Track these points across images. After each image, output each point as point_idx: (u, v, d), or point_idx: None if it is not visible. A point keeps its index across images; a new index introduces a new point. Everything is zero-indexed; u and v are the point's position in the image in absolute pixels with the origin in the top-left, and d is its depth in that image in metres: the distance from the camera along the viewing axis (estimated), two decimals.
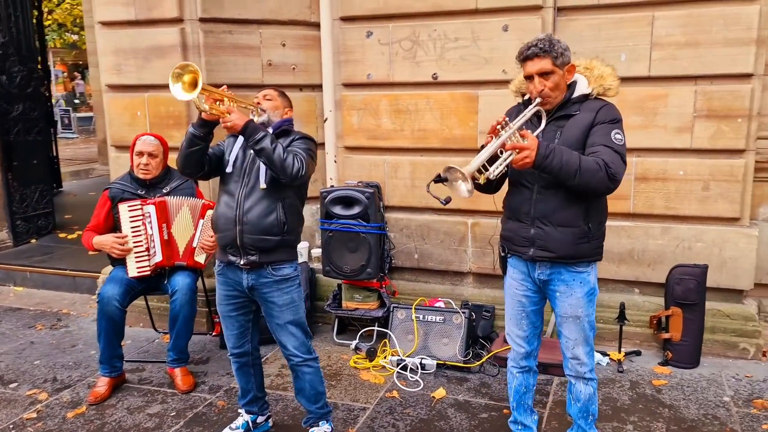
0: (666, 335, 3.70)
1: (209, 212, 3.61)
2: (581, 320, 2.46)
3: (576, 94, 2.40)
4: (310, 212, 4.72)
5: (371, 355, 3.81)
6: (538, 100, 2.36)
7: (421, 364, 3.65)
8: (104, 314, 3.40)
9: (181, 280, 3.52)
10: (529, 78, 2.38)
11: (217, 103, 2.53)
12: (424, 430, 3.04)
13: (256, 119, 2.65)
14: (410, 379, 3.57)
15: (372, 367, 3.72)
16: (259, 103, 2.74)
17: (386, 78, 4.10)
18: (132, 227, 3.52)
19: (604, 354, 3.77)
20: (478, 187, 2.34)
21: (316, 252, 4.60)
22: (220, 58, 4.23)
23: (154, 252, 3.53)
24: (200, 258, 3.62)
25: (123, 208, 3.52)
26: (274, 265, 2.66)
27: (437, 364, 3.67)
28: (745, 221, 3.67)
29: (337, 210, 3.96)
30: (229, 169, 2.67)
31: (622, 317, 3.73)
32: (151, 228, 3.53)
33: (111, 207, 3.61)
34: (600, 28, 3.68)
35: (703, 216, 3.71)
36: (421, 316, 3.83)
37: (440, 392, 3.39)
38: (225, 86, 2.64)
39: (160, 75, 4.17)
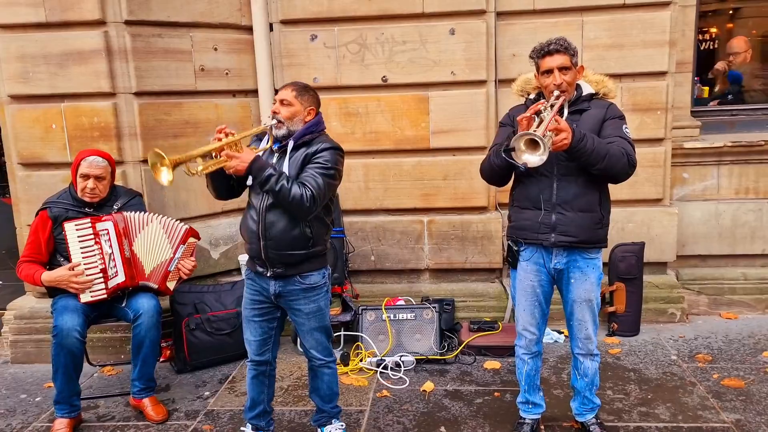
0: (611, 309, 4.08)
1: (191, 239, 3.37)
2: (592, 303, 2.67)
3: (584, 93, 2.60)
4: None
5: (345, 359, 3.76)
6: (557, 93, 2.50)
7: (400, 362, 3.68)
8: (63, 348, 3.02)
9: (146, 302, 3.23)
10: (547, 72, 2.52)
11: (214, 155, 2.42)
12: (429, 422, 3.08)
13: (275, 133, 2.53)
14: (393, 377, 3.58)
15: (350, 371, 3.68)
16: (276, 113, 2.56)
17: (334, 81, 4.08)
18: (82, 248, 3.16)
19: (559, 332, 4.07)
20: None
21: None
22: (151, 63, 3.94)
23: (115, 272, 3.20)
24: (171, 284, 3.35)
25: (70, 228, 3.15)
26: (302, 273, 2.58)
27: (416, 359, 3.72)
28: (666, 201, 4.17)
29: None
30: (249, 182, 2.52)
31: None
32: (110, 246, 3.20)
33: (53, 228, 3.22)
34: (536, 31, 3.98)
35: (633, 199, 4.15)
36: (392, 316, 3.85)
37: (428, 385, 3.44)
38: (224, 127, 2.47)
39: (80, 82, 3.82)
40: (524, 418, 2.89)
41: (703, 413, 3.03)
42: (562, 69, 2.50)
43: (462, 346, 3.80)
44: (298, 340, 3.97)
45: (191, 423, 3.19)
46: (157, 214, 3.36)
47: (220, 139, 2.42)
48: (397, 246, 4.25)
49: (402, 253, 4.26)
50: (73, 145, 3.88)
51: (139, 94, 3.89)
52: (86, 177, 3.19)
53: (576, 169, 2.50)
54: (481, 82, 3.99)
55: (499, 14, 3.98)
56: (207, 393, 3.53)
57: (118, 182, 3.56)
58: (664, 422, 2.96)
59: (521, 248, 2.68)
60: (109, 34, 3.78)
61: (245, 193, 2.72)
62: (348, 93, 4.09)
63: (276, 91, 4.30)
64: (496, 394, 3.34)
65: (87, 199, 3.23)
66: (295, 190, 2.39)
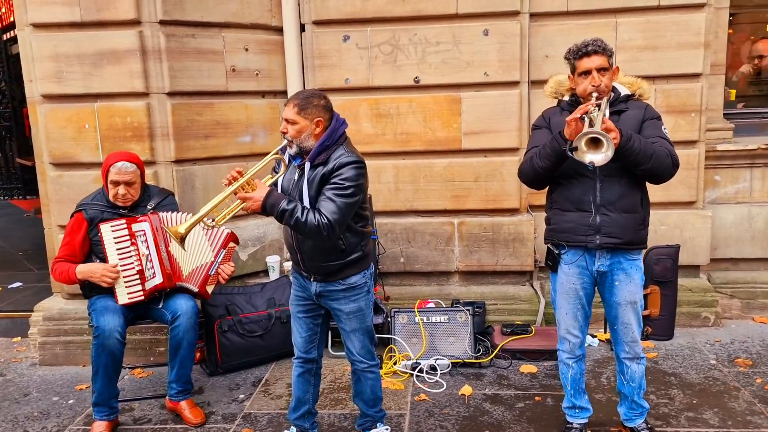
0: (645, 312, 4.02)
1: (231, 244, 3.35)
2: (636, 305, 2.64)
3: (621, 94, 2.58)
4: (277, 224, 4.51)
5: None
6: (596, 94, 2.46)
7: (435, 365, 3.64)
8: (105, 349, 2.99)
9: (183, 303, 3.20)
10: (585, 74, 2.50)
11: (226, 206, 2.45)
12: (472, 426, 3.04)
13: (289, 152, 2.52)
14: (429, 380, 3.54)
15: (384, 374, 3.63)
16: (284, 132, 2.48)
17: (366, 82, 4.06)
18: (119, 249, 3.14)
19: (593, 336, 4.03)
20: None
21: (289, 265, 4.40)
22: (184, 64, 3.92)
23: (153, 273, 3.17)
24: (210, 288, 3.32)
25: (106, 229, 3.13)
26: (342, 278, 2.57)
27: (451, 363, 3.68)
28: (699, 204, 4.14)
29: None
30: None
31: None
32: (147, 247, 3.18)
33: (88, 230, 3.19)
34: (569, 33, 3.96)
35: (666, 201, 4.11)
36: (425, 318, 3.81)
37: (467, 389, 3.40)
38: (235, 173, 2.43)
39: (114, 82, 3.80)
40: (572, 423, 2.85)
41: (753, 418, 2.98)
42: (600, 70, 2.47)
43: (497, 349, 3.75)
44: (330, 342, 3.96)
45: (230, 426, 3.15)
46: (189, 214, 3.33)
47: (230, 183, 2.40)
48: (427, 248, 4.22)
49: (432, 255, 4.22)
50: (106, 145, 3.86)
51: (171, 94, 3.87)
52: (116, 184, 3.16)
53: (619, 170, 2.47)
54: (514, 83, 3.96)
55: (533, 15, 3.96)
56: (242, 396, 3.49)
57: (149, 182, 3.54)
58: (714, 427, 2.92)
59: (562, 251, 2.64)
60: (144, 34, 3.77)
61: None
62: (380, 94, 4.07)
63: None
64: (537, 398, 3.29)
65: (120, 204, 3.22)
66: (311, 220, 2.32)
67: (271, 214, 2.37)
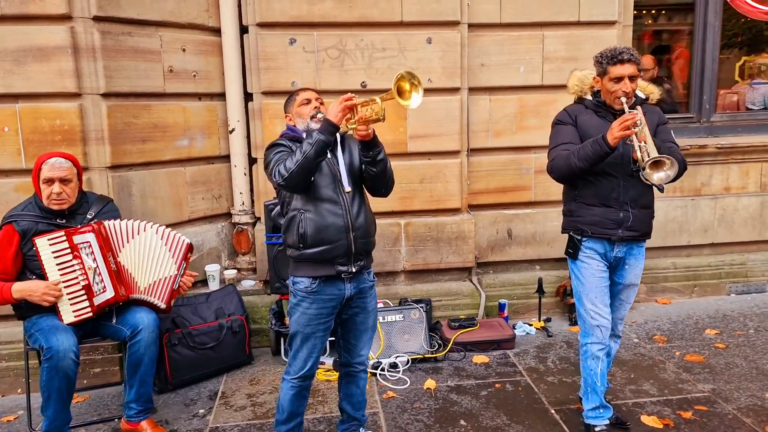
0: (572, 300, 4.41)
1: (189, 254, 3.19)
2: (637, 286, 2.94)
3: (640, 98, 2.76)
4: (215, 231, 4.38)
5: (336, 365, 3.74)
6: (624, 99, 2.62)
7: (396, 362, 3.73)
8: (59, 372, 2.74)
9: (144, 317, 3.02)
10: (618, 79, 2.63)
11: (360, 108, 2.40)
12: (447, 417, 3.17)
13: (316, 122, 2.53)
14: (391, 378, 3.62)
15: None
16: (318, 108, 2.61)
17: (313, 86, 4.05)
18: (59, 264, 2.89)
19: (529, 324, 4.34)
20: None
21: (230, 273, 4.29)
22: (120, 63, 3.68)
23: (102, 288, 2.95)
24: (172, 301, 3.15)
25: (42, 243, 2.86)
26: (368, 269, 2.62)
27: (410, 359, 3.79)
28: None
29: None
30: (320, 178, 2.46)
31: (540, 290, 4.35)
32: (94, 260, 2.95)
33: (21, 243, 2.91)
34: (503, 43, 4.25)
35: None
36: (381, 318, 3.89)
37: (431, 383, 3.53)
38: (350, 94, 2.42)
39: (41, 82, 3.50)
40: (597, 425, 2.84)
41: (683, 386, 3.40)
42: (632, 77, 2.63)
43: (451, 343, 3.93)
44: (284, 349, 3.90)
45: None
46: (150, 222, 3.15)
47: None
48: (376, 249, 4.28)
49: (380, 256, 4.30)
50: (30, 150, 3.52)
51: (107, 95, 3.62)
52: (50, 181, 2.91)
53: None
54: (456, 90, 4.17)
55: (470, 26, 4.19)
56: (201, 411, 3.35)
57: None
58: (656, 396, 3.29)
59: (584, 239, 2.78)
60: (76, 30, 3.49)
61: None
62: (327, 97, 3.92)
63: (246, 94, 4.21)
64: (497, 385, 3.50)
65: (55, 207, 2.96)
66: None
67: (375, 146, 2.45)
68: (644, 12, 5.61)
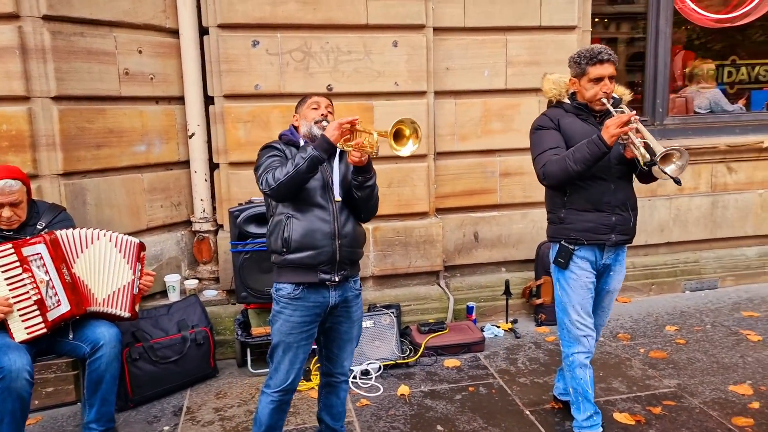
0: (539, 301, 4.47)
1: (143, 253, 3.03)
2: (617, 292, 2.90)
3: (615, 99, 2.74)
4: (175, 240, 4.22)
5: (307, 375, 3.65)
6: (604, 100, 2.62)
7: (368, 369, 3.67)
8: (12, 393, 2.56)
9: (105, 331, 2.86)
10: (598, 80, 2.60)
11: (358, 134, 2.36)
12: (423, 423, 3.13)
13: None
14: (363, 385, 3.56)
15: (316, 385, 3.56)
16: (325, 116, 2.55)
17: (277, 89, 3.97)
18: (8, 278, 2.71)
19: (497, 326, 4.36)
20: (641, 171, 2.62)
21: (191, 284, 4.14)
22: (72, 65, 3.51)
23: (57, 302, 2.78)
24: (137, 307, 2.99)
25: None
26: (354, 278, 2.55)
27: (382, 366, 3.74)
28: None
29: (252, 229, 3.67)
30: (313, 184, 2.41)
31: (507, 292, 4.37)
32: (46, 272, 2.77)
33: None
34: (467, 47, 4.27)
35: None
36: None
37: (404, 389, 3.48)
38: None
39: None
40: None
41: (650, 382, 3.48)
42: (611, 78, 2.61)
43: (422, 348, 3.89)
44: (250, 361, 3.78)
45: None
46: (103, 230, 2.98)
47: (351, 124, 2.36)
48: None
49: None
50: None
51: (58, 98, 3.44)
52: None
53: (627, 173, 2.69)
54: (422, 93, 4.16)
55: (435, 30, 4.19)
56: (166, 428, 3.20)
57: (33, 198, 3.07)
58: (625, 393, 3.35)
59: (576, 248, 2.70)
60: (24, 30, 3.31)
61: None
62: (291, 101, 3.92)
63: (206, 97, 4.08)
64: (470, 389, 3.49)
65: (3, 227, 2.80)
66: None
67: (366, 172, 2.42)
68: (596, 20, 5.76)
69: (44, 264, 2.76)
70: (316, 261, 2.39)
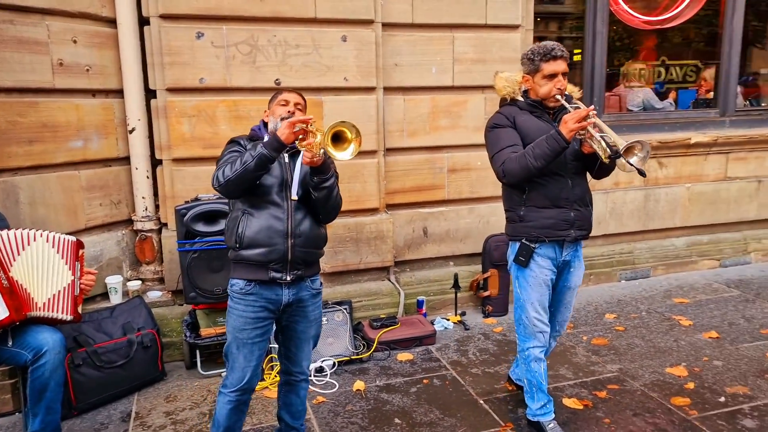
0: (486, 293, 4.57)
1: (82, 251, 2.88)
2: (578, 288, 2.94)
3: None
4: (115, 240, 4.05)
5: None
6: (558, 96, 2.66)
7: (323, 366, 3.65)
8: None
9: (48, 337, 2.72)
10: (552, 76, 2.64)
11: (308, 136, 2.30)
12: (381, 417, 3.14)
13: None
14: (318, 382, 3.54)
15: (269, 385, 3.52)
16: (292, 112, 2.48)
17: (223, 83, 3.86)
18: None
19: (447, 319, 4.43)
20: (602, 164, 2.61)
21: (134, 285, 3.98)
22: (2, 55, 3.31)
23: None
24: (80, 308, 2.84)
25: None
26: (312, 277, 2.51)
27: (336, 362, 3.72)
28: None
29: (200, 227, 3.56)
30: (270, 181, 2.36)
31: (456, 285, 4.45)
32: None
33: None
34: (415, 43, 4.30)
35: (495, 196, 4.66)
36: None
37: (359, 384, 3.49)
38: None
39: None
40: (548, 421, 2.88)
41: (594, 368, 3.63)
42: (564, 74, 2.66)
43: (375, 343, 3.90)
44: (200, 362, 3.68)
45: None
46: (39, 230, 2.82)
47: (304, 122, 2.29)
48: None
49: None
50: None
51: None
52: None
53: (582, 169, 2.75)
54: (372, 89, 4.16)
55: (384, 25, 4.19)
56: None
57: None
58: (572, 379, 3.48)
59: (538, 246, 2.73)
60: None
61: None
62: (239, 95, 3.91)
63: (147, 90, 3.92)
64: (424, 381, 3.53)
65: None
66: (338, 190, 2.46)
67: (325, 173, 2.37)
68: (538, 19, 5.92)
69: None
70: (267, 259, 2.37)
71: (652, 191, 5.34)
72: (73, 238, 2.89)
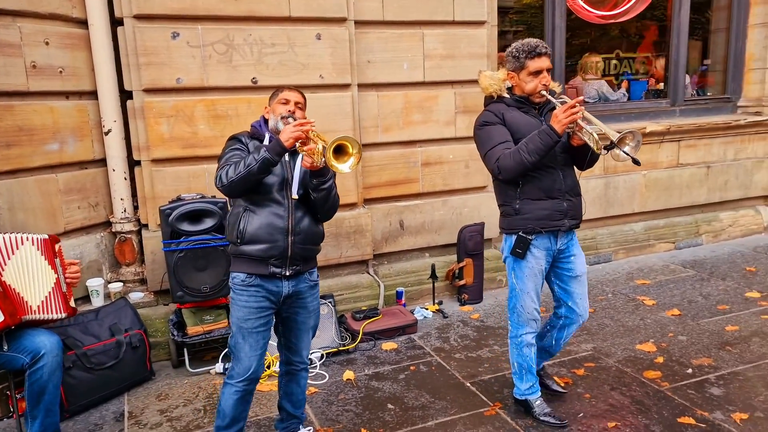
0: (461, 282, 4.73)
1: (58, 245, 2.87)
2: (586, 275, 3.01)
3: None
4: (95, 243, 4.02)
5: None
6: (544, 92, 2.76)
7: (312, 358, 3.73)
8: None
9: (46, 340, 2.72)
10: (537, 73, 2.73)
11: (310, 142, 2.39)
12: (374, 403, 3.26)
13: None
14: (309, 374, 3.60)
15: (262, 379, 3.57)
16: (292, 112, 2.54)
17: (200, 82, 3.88)
18: None
19: (425, 308, 4.57)
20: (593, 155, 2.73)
21: (116, 287, 3.97)
22: None
23: None
24: (72, 302, 2.84)
25: None
26: (309, 270, 2.61)
27: (324, 354, 3.81)
28: (489, 188, 4.99)
29: (185, 227, 3.58)
30: (271, 179, 2.43)
31: (434, 276, 4.60)
32: None
33: None
34: (386, 40, 4.40)
35: (467, 187, 4.87)
36: None
37: (349, 374, 3.59)
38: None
39: None
40: (536, 399, 3.04)
41: (570, 348, 3.83)
42: (548, 70, 2.75)
43: (360, 334, 4.01)
44: (188, 360, 3.70)
45: None
46: (22, 233, 2.80)
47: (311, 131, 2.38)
48: None
49: None
50: None
51: None
52: None
53: (570, 160, 2.85)
54: (347, 86, 4.24)
55: (357, 23, 4.27)
56: None
57: None
58: (551, 360, 3.66)
59: (534, 237, 2.82)
60: None
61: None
62: (216, 94, 3.93)
63: (122, 91, 3.90)
64: (411, 368, 3.66)
65: None
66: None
67: (321, 175, 2.45)
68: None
69: None
70: (268, 254, 2.46)
71: (612, 179, 5.62)
72: (45, 235, 2.86)
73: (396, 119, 4.55)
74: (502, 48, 4.89)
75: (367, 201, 4.56)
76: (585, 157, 2.78)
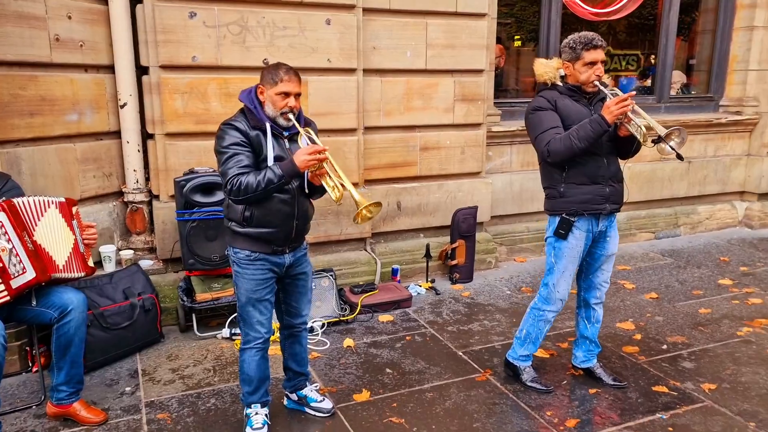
0: (454, 262, 4.99)
1: (75, 208, 3.06)
2: (615, 254, 3.20)
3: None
4: (107, 211, 4.20)
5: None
6: (597, 83, 2.87)
7: (313, 326, 3.96)
8: None
9: (74, 296, 2.92)
10: (592, 64, 2.85)
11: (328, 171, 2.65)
12: (374, 367, 3.50)
13: (287, 124, 2.65)
14: (311, 341, 3.85)
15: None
16: (293, 108, 2.63)
17: (215, 61, 4.05)
18: None
19: (419, 285, 4.82)
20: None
21: (127, 254, 4.16)
22: (4, 29, 3.41)
23: (22, 269, 2.78)
24: (90, 262, 3.04)
25: None
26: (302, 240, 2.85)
27: (325, 323, 4.04)
28: (483, 174, 5.24)
29: (198, 198, 3.78)
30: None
31: (428, 255, 4.84)
32: (8, 240, 2.77)
33: None
34: (391, 28, 4.60)
35: (462, 173, 5.11)
36: None
37: (349, 342, 3.83)
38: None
39: None
40: (526, 366, 3.31)
41: (555, 324, 4.08)
42: (602, 62, 2.87)
43: (359, 306, 4.25)
44: (196, 324, 3.91)
45: (139, 416, 3.01)
46: (49, 197, 2.98)
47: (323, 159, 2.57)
48: None
49: None
50: None
51: None
52: None
53: (614, 149, 2.99)
54: (353, 70, 4.44)
55: (364, 10, 4.46)
56: (128, 389, 3.30)
57: None
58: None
59: (576, 219, 2.98)
60: None
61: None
62: (229, 73, 4.11)
63: (137, 67, 4.06)
64: (407, 338, 3.91)
65: None
66: None
67: (318, 192, 2.76)
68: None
69: (6, 232, 2.74)
70: (273, 237, 2.64)
71: None
72: (62, 198, 3.04)
73: (397, 104, 4.76)
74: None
75: (368, 182, 4.78)
76: (629, 146, 2.94)
